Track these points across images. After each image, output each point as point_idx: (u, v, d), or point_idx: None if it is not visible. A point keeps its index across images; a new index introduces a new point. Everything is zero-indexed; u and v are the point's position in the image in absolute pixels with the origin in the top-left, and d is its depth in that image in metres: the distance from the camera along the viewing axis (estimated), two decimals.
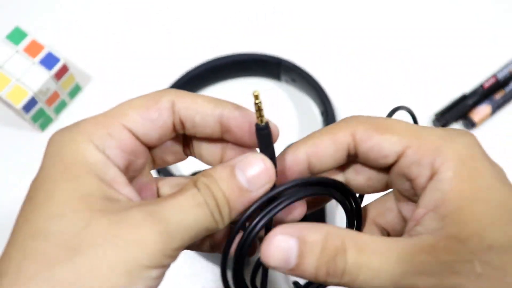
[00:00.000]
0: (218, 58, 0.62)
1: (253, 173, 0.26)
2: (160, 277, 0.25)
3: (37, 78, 0.58)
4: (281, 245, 0.26)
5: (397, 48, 0.66)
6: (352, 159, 0.30)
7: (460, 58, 0.65)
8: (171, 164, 0.32)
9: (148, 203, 0.25)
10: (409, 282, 0.25)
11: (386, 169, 0.29)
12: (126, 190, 0.27)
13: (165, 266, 0.25)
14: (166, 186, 0.32)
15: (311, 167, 0.29)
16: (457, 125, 0.62)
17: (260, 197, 0.27)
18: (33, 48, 0.59)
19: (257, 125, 0.26)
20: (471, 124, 0.61)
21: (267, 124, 0.26)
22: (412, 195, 0.29)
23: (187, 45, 0.67)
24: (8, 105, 0.60)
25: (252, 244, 0.28)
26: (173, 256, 0.25)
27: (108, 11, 0.69)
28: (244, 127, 0.28)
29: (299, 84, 0.62)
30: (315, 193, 0.28)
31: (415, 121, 0.33)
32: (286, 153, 0.29)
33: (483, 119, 0.61)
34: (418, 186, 0.28)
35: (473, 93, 0.62)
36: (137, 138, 0.28)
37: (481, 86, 0.62)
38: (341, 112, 0.62)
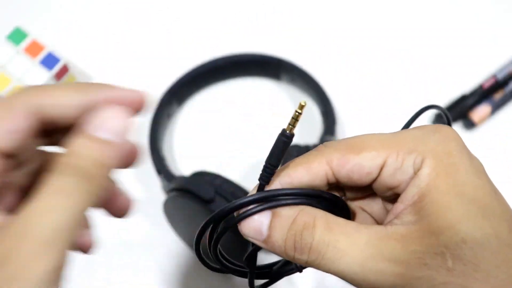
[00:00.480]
0: (218, 58, 0.62)
1: (109, 124, 0.25)
2: None
3: (38, 78, 0.59)
4: (254, 216, 0.27)
5: (397, 48, 0.66)
6: (333, 185, 0.30)
7: (459, 58, 0.65)
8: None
9: (11, 224, 0.23)
10: (376, 268, 0.25)
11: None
12: None
13: None
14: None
15: None
16: (457, 125, 0.62)
17: (255, 195, 0.27)
18: (34, 49, 0.59)
19: (283, 130, 0.27)
20: (470, 124, 0.61)
21: (292, 135, 0.27)
22: (395, 199, 0.29)
23: (187, 45, 0.67)
24: None
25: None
26: (60, 278, 0.23)
27: (108, 11, 0.69)
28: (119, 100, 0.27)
29: (299, 84, 0.63)
30: (310, 203, 0.28)
31: (448, 119, 0.33)
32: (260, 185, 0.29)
33: (483, 119, 0.61)
34: (402, 189, 0.28)
35: (473, 93, 0.62)
36: None
37: (481, 86, 0.62)
38: (341, 112, 0.62)
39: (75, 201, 0.23)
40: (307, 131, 0.62)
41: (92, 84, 0.27)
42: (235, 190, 0.49)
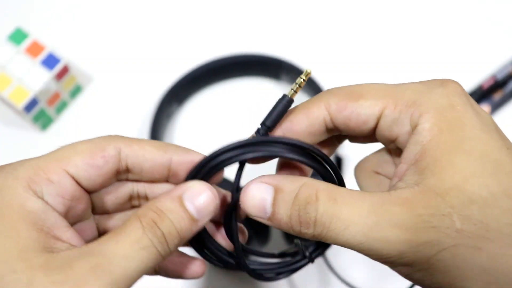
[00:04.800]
0: (218, 58, 0.62)
1: (202, 203, 0.26)
2: None
3: (38, 79, 0.59)
4: (257, 194, 0.27)
5: (397, 48, 0.66)
6: (334, 133, 0.29)
7: (459, 58, 0.65)
8: (111, 212, 0.31)
9: (90, 252, 0.24)
10: (381, 235, 0.24)
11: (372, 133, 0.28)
12: (67, 234, 0.26)
13: None
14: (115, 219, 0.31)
15: None
16: None
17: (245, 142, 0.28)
18: (35, 49, 0.59)
19: (284, 95, 0.28)
20: None
21: (292, 100, 0.28)
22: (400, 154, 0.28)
23: (188, 45, 0.67)
24: (9, 105, 0.60)
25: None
26: None
27: (109, 12, 0.69)
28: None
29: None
30: (284, 156, 0.27)
31: None
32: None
33: None
34: (401, 144, 0.27)
35: (472, 93, 0.62)
36: (79, 183, 0.27)
37: (480, 86, 0.62)
38: None
39: (147, 257, 0.25)
40: None
41: (171, 145, 0.29)
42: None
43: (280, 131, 0.28)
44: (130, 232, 0.25)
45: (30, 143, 0.63)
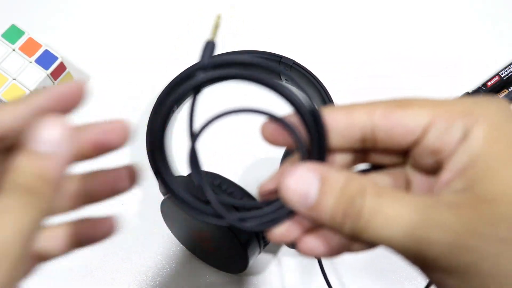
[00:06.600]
0: (217, 55, 0.61)
1: (45, 136, 0.24)
2: None
3: (34, 77, 0.58)
4: (302, 179, 0.26)
5: (399, 46, 0.66)
6: (368, 143, 0.28)
7: (463, 57, 0.65)
8: None
9: None
10: (423, 234, 0.24)
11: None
12: None
13: None
14: None
15: None
16: None
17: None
18: (30, 47, 0.58)
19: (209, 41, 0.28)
20: None
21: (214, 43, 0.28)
22: (432, 170, 0.27)
23: (187, 43, 0.66)
24: None
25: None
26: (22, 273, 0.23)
27: (106, 9, 0.68)
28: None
29: (301, 83, 0.62)
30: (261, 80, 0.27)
31: None
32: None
33: None
34: (446, 154, 0.26)
35: (476, 91, 0.61)
36: None
37: (485, 85, 0.61)
38: None
39: (20, 217, 0.23)
40: None
41: (31, 95, 0.27)
42: (234, 190, 0.48)
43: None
44: None
45: None
